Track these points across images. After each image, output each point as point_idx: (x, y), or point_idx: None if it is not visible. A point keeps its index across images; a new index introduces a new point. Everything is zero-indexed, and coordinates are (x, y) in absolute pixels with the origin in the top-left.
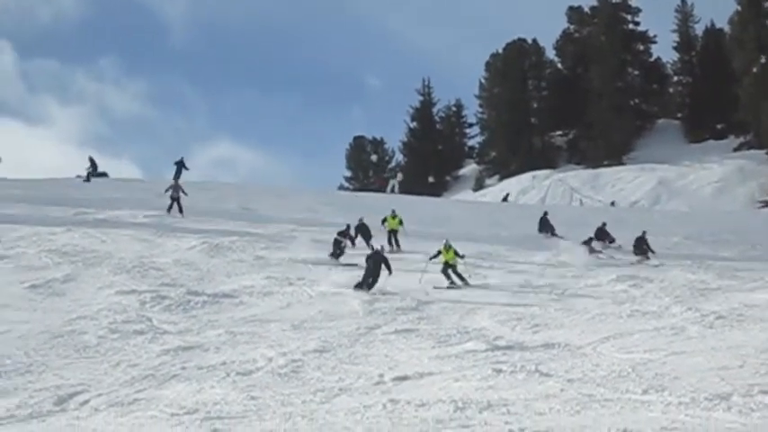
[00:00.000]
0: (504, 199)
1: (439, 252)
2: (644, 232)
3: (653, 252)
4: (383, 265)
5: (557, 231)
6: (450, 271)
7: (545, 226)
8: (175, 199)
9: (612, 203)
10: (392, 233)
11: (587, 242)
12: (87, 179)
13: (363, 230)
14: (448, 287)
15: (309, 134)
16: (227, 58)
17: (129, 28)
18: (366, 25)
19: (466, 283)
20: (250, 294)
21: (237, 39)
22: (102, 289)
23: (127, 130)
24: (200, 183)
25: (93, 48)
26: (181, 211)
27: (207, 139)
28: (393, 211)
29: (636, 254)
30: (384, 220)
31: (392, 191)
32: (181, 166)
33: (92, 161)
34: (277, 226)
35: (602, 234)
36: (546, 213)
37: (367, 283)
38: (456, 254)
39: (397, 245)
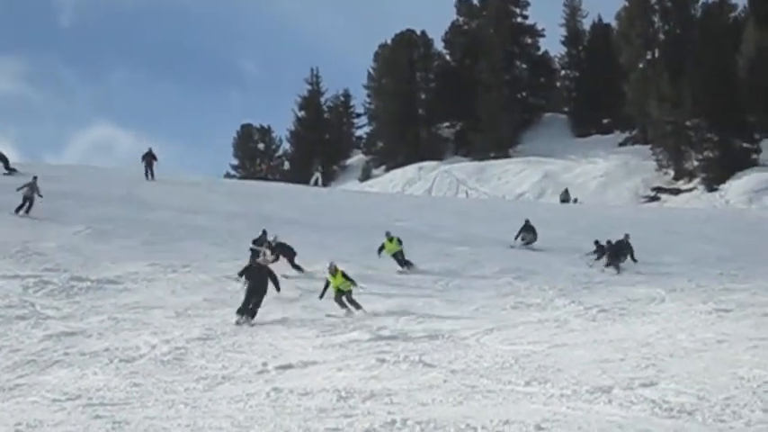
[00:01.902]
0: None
1: (327, 282)
2: (626, 235)
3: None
4: (270, 282)
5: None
6: (344, 298)
7: (527, 232)
8: (29, 199)
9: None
10: (397, 257)
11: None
12: None
13: (284, 248)
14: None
15: (191, 120)
16: (112, 39)
17: (15, 4)
18: (256, 11)
19: (360, 309)
20: (134, 281)
21: (125, 19)
22: None
23: (5, 110)
24: (87, 167)
25: None
26: (28, 211)
27: (87, 122)
28: (388, 234)
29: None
30: (381, 249)
31: (315, 183)
32: (151, 158)
33: None
34: (164, 213)
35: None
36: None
37: (247, 308)
38: (346, 277)
39: (407, 264)
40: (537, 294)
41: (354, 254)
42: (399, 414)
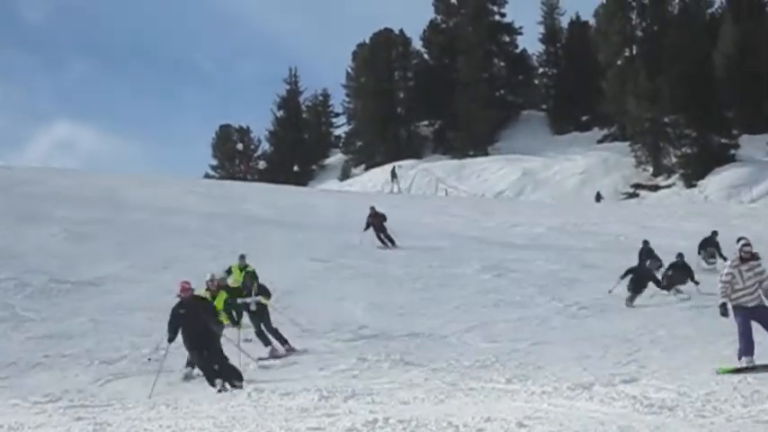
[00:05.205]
0: None
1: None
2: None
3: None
4: (207, 317)
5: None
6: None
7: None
8: None
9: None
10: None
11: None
12: None
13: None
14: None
15: (157, 117)
16: (74, 34)
17: None
18: (230, 12)
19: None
20: (114, 282)
21: (82, 13)
22: None
23: None
24: (66, 169)
25: None
26: None
27: (46, 118)
28: (242, 258)
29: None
30: (229, 272)
31: (398, 190)
32: (381, 220)
33: None
34: (142, 214)
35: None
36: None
37: (214, 370)
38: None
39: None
40: (517, 292)
41: (332, 252)
42: (381, 413)
